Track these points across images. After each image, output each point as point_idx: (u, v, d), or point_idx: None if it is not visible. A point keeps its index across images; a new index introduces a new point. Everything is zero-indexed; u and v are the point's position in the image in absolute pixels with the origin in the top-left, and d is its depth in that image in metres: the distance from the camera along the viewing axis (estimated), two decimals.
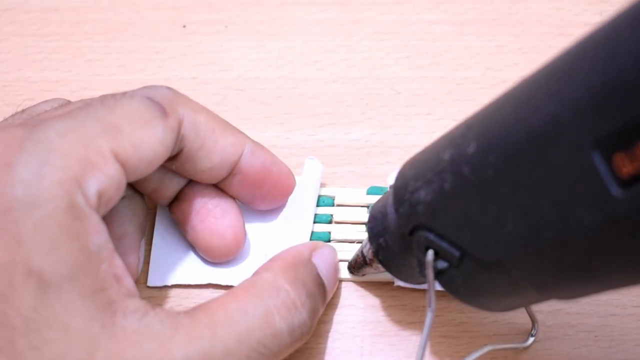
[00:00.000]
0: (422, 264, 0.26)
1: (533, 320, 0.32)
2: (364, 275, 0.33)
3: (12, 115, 0.30)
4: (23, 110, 0.30)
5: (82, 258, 0.24)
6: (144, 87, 0.29)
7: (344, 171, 0.36)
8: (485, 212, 0.23)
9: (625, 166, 0.18)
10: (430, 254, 0.26)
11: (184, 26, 0.41)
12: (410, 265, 0.28)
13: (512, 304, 0.26)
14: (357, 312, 0.33)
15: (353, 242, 0.34)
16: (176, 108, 0.28)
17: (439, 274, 0.26)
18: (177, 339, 0.25)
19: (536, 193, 0.21)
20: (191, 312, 0.26)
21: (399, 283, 0.33)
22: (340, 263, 0.33)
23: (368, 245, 0.30)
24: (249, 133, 0.32)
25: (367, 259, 0.31)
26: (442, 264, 0.26)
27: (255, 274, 0.29)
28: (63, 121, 0.25)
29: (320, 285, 0.30)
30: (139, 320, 0.24)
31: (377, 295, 0.33)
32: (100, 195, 0.25)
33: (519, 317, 0.33)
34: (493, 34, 0.40)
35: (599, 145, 0.19)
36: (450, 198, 0.24)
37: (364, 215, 0.35)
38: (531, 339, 0.32)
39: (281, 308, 0.27)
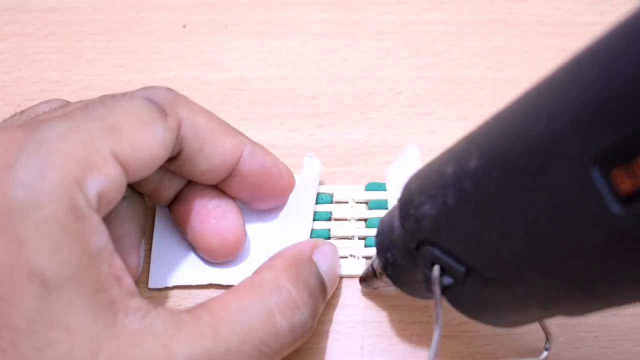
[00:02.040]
0: (428, 280, 0.26)
1: (547, 333, 0.31)
2: (375, 289, 0.33)
3: (12, 116, 0.30)
4: (22, 111, 0.30)
5: (83, 259, 0.24)
6: (144, 88, 0.29)
7: (344, 171, 0.36)
8: (488, 228, 0.23)
9: (624, 182, 0.18)
10: (436, 269, 0.25)
11: (184, 26, 0.41)
12: (417, 281, 0.28)
13: (519, 321, 0.25)
14: (357, 312, 0.33)
15: (352, 238, 0.34)
16: (176, 109, 0.28)
17: (445, 290, 0.26)
18: (179, 338, 0.25)
19: (536, 210, 0.21)
20: (193, 311, 0.26)
21: None
22: (340, 260, 0.33)
23: (377, 260, 0.30)
24: (249, 133, 0.32)
25: (377, 273, 0.31)
26: (448, 280, 0.25)
27: (256, 272, 0.29)
28: (63, 122, 0.25)
29: (321, 283, 0.30)
30: (141, 320, 0.24)
31: (377, 295, 0.33)
32: (100, 197, 0.25)
33: None
34: (493, 34, 0.40)
35: (597, 161, 0.18)
36: (453, 213, 0.24)
37: (363, 212, 0.35)
38: (545, 353, 0.31)
39: (283, 307, 0.27)
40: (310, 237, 0.34)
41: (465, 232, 0.24)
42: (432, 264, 0.25)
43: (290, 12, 0.41)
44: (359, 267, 0.33)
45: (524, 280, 0.22)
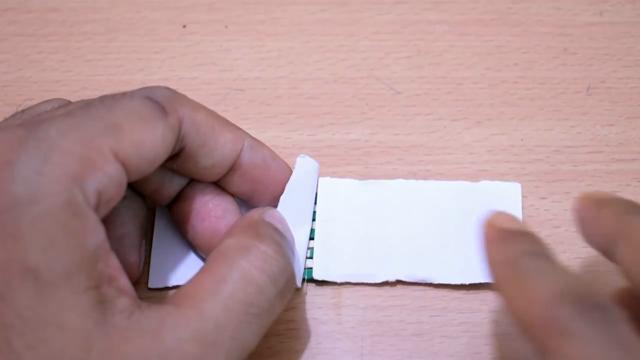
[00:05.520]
0: None
1: None
2: None
3: (12, 115, 0.30)
4: (23, 111, 0.30)
5: (78, 256, 0.24)
6: (144, 88, 0.29)
7: (344, 171, 0.36)
8: None
9: None
10: None
11: (184, 26, 0.41)
12: None
13: None
14: (357, 312, 0.33)
15: None
16: (176, 107, 0.28)
17: None
18: (166, 328, 0.25)
19: None
20: (174, 299, 0.26)
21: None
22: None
23: None
24: (248, 133, 0.32)
25: None
26: None
27: (218, 245, 0.28)
28: (64, 120, 0.25)
29: (282, 236, 0.29)
30: (127, 319, 0.24)
31: (377, 295, 0.33)
32: (99, 194, 0.25)
33: None
34: (493, 34, 0.40)
35: None
36: None
37: None
38: None
39: (256, 262, 0.27)
40: (310, 238, 0.34)
41: None
42: None
43: (290, 12, 0.41)
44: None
45: None
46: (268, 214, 0.30)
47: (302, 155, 0.34)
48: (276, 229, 0.29)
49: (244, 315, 0.26)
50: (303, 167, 0.33)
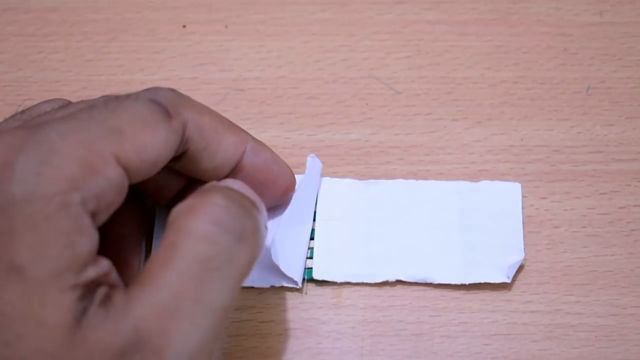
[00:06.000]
0: None
1: None
2: None
3: (12, 116, 0.30)
4: (23, 111, 0.30)
5: (66, 256, 0.24)
6: (147, 89, 0.29)
7: (344, 171, 0.36)
8: None
9: None
10: None
11: (184, 26, 0.41)
12: None
13: None
14: (357, 312, 0.33)
15: None
16: (180, 110, 0.28)
17: None
18: (128, 310, 0.24)
19: None
20: (136, 278, 0.25)
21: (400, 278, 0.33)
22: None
23: None
24: None
25: None
26: None
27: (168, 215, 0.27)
28: (65, 123, 0.25)
29: (234, 190, 0.27)
30: (104, 309, 0.24)
31: (377, 295, 0.33)
32: (98, 198, 0.25)
33: (519, 316, 0.33)
34: (493, 34, 0.40)
35: None
36: None
37: None
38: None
39: (202, 216, 0.25)
40: (311, 238, 0.34)
41: None
42: None
43: (290, 12, 0.41)
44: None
45: None
46: (223, 180, 0.29)
47: (311, 155, 0.34)
48: (227, 187, 0.27)
49: (201, 272, 0.25)
50: (312, 167, 0.34)
